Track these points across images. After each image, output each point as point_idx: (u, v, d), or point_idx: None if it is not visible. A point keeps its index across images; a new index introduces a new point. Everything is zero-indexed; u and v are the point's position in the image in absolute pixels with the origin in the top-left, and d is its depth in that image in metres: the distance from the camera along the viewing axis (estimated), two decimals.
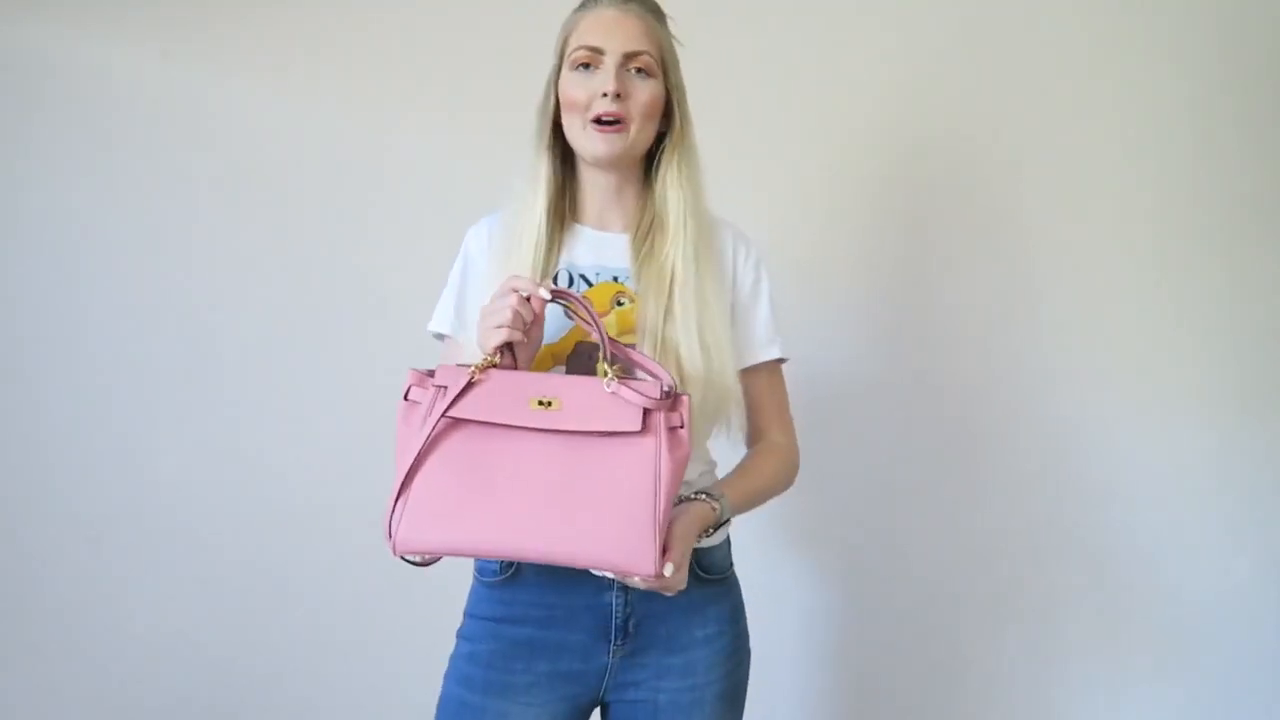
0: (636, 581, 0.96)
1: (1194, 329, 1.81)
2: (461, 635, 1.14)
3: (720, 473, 1.20)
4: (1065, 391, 1.80)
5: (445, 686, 1.12)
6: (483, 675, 1.09)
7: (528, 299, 0.98)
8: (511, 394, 0.95)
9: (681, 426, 0.95)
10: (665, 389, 0.95)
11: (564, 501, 0.92)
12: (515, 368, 1.01)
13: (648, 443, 0.94)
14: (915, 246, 1.82)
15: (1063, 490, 1.80)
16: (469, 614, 1.15)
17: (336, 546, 1.79)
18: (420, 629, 1.77)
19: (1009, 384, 1.80)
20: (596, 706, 1.13)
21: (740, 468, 1.18)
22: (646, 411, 0.94)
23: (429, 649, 1.76)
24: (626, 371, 0.99)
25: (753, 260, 1.20)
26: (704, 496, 1.06)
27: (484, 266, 1.15)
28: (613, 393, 0.94)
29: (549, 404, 0.95)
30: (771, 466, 1.19)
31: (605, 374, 0.96)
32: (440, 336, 1.20)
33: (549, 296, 0.98)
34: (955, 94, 1.81)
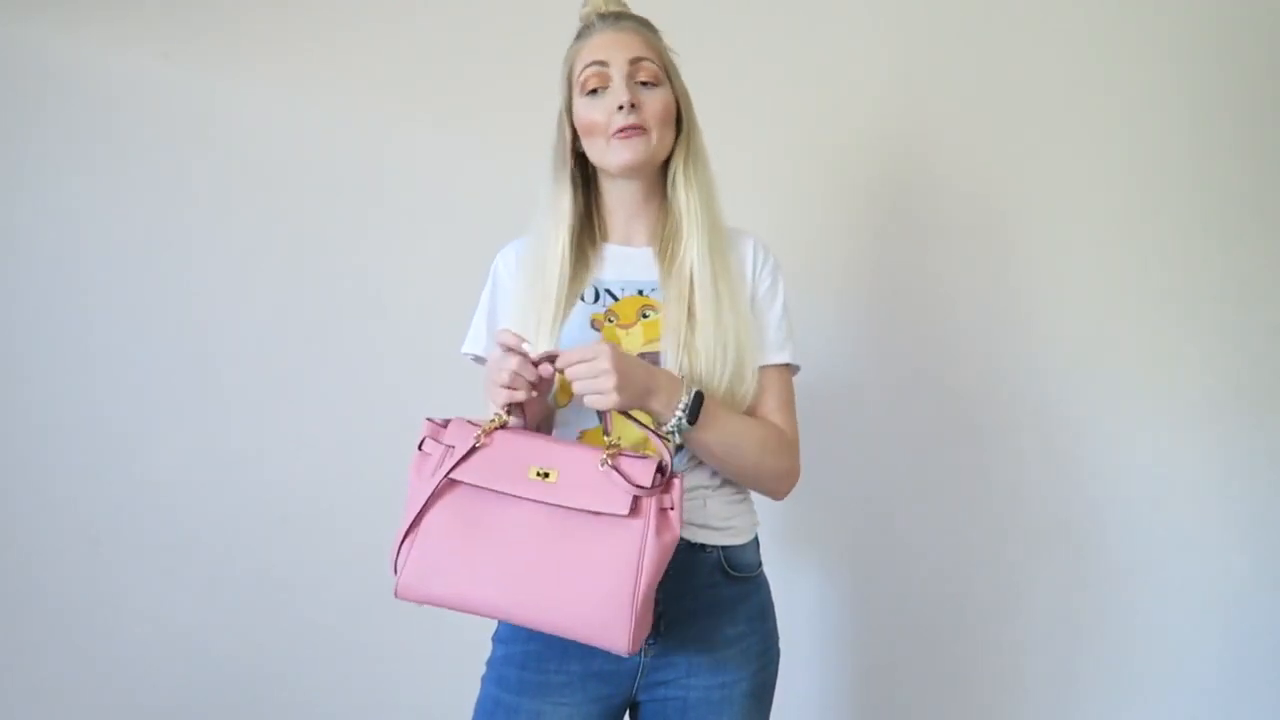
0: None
1: (1194, 328, 1.81)
2: (496, 639, 1.16)
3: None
4: (1066, 391, 1.80)
5: (483, 688, 1.14)
6: (517, 675, 1.11)
7: (534, 363, 1.01)
8: (512, 461, 1.00)
9: (672, 509, 0.98)
10: (659, 470, 0.97)
11: (549, 572, 0.96)
12: (524, 423, 1.05)
13: (635, 525, 0.96)
14: (915, 247, 1.82)
15: (1064, 489, 1.80)
16: None
17: (336, 547, 1.79)
18: (419, 630, 1.78)
19: (1010, 384, 1.81)
20: (628, 707, 1.15)
21: None
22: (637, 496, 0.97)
23: (428, 649, 1.77)
24: (626, 451, 1.00)
25: (770, 266, 1.22)
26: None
27: (512, 287, 1.19)
28: (604, 473, 0.97)
29: (546, 475, 0.98)
30: (762, 429, 1.15)
31: (604, 447, 0.99)
32: (478, 359, 1.22)
33: (535, 358, 1.01)
34: (955, 94, 1.81)
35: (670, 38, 1.20)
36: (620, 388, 0.97)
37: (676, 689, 1.11)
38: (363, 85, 1.82)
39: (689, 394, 1.03)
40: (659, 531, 0.96)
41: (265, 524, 1.80)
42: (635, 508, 0.96)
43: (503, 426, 1.02)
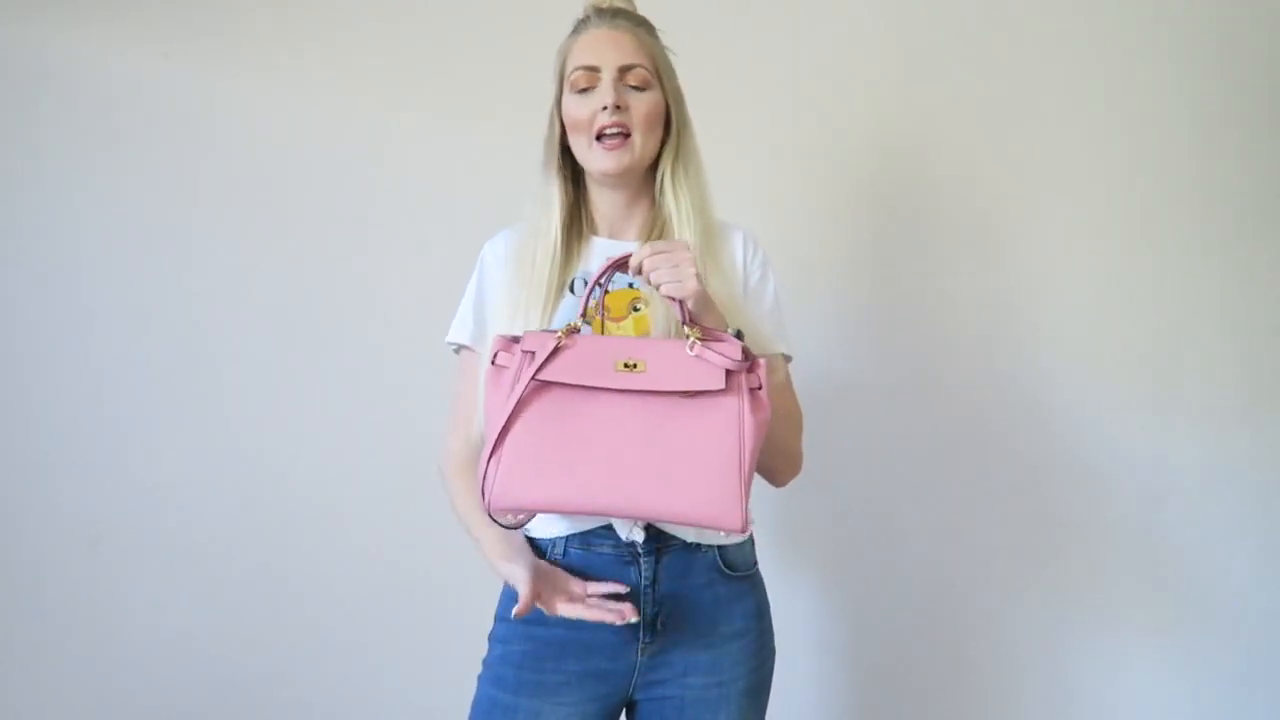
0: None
1: (1193, 328, 1.81)
2: (493, 638, 1.16)
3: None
4: (1065, 391, 1.80)
5: (479, 688, 1.14)
6: (514, 675, 1.11)
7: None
8: (597, 357, 0.99)
9: (760, 388, 0.99)
10: (744, 350, 0.98)
11: (651, 460, 0.96)
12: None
13: (730, 402, 0.97)
14: (915, 246, 1.82)
15: (1064, 489, 1.80)
16: (500, 618, 1.17)
17: (336, 547, 1.79)
18: (419, 630, 1.78)
19: (1009, 383, 1.81)
20: (625, 706, 1.15)
21: None
22: (729, 372, 0.97)
23: (428, 649, 1.77)
24: (708, 334, 1.01)
25: (759, 258, 1.22)
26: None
27: (500, 277, 1.18)
28: (696, 355, 0.98)
29: (634, 366, 0.98)
30: (795, 401, 1.19)
31: (688, 336, 0.99)
32: (459, 349, 1.21)
33: (613, 262, 1.03)
34: (955, 93, 1.82)
35: (670, 37, 1.20)
36: (699, 276, 0.99)
37: (673, 688, 1.11)
38: (363, 85, 1.81)
39: (733, 330, 1.04)
40: (753, 409, 0.97)
41: (265, 524, 1.80)
42: (728, 385, 0.97)
43: (576, 330, 1.02)
